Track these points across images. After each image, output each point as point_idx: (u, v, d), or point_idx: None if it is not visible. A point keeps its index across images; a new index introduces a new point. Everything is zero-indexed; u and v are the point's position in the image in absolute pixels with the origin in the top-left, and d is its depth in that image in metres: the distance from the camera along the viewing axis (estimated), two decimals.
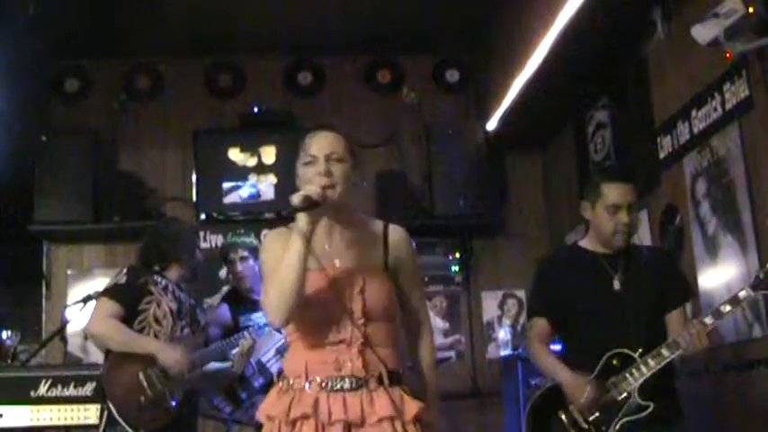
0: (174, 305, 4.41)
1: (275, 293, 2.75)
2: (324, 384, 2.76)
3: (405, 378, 2.87)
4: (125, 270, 4.47)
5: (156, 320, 4.34)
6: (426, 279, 7.00)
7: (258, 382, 5.13)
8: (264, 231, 6.96)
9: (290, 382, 2.81)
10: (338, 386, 2.76)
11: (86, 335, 4.89)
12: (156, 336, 4.32)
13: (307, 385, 2.76)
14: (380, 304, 2.85)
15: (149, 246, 4.58)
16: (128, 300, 4.32)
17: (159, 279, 4.45)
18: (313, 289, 2.80)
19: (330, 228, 2.92)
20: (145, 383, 4.20)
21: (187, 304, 4.53)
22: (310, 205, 2.73)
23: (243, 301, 5.32)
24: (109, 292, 4.37)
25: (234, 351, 4.76)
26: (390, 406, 2.75)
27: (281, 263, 2.77)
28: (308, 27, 6.62)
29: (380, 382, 2.79)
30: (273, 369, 5.12)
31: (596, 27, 5.07)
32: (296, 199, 2.73)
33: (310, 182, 2.80)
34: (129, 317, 4.30)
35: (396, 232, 2.98)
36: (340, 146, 2.88)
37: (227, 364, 4.77)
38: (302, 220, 2.74)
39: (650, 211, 5.38)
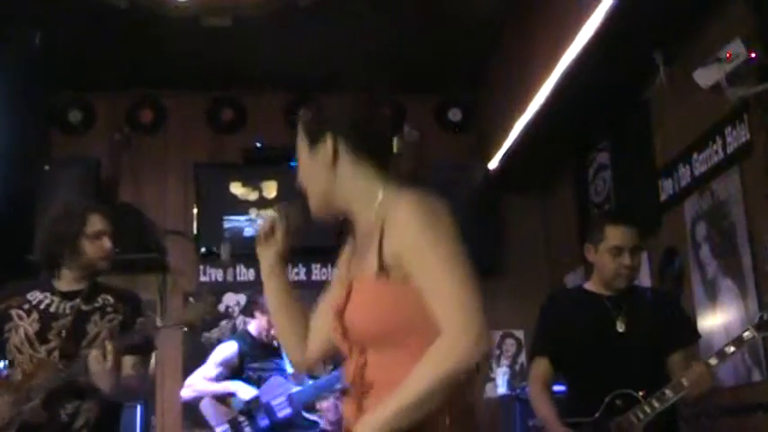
0: (36, 326, 3.63)
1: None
2: None
3: None
4: None
5: (18, 349, 3.64)
6: None
7: (264, 423, 5.12)
8: None
9: None
10: None
11: None
12: (21, 365, 3.61)
13: None
14: (362, 328, 1.98)
15: (39, 249, 3.79)
16: None
17: (31, 297, 3.71)
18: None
19: (355, 233, 2.18)
20: None
21: (70, 317, 3.65)
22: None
23: (259, 344, 5.32)
24: None
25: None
26: None
27: None
28: (309, 64, 6.64)
29: None
30: (281, 414, 5.12)
31: (598, 69, 5.09)
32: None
33: None
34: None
35: (396, 209, 2.01)
36: (299, 134, 2.26)
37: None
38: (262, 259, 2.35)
39: (650, 254, 5.38)
